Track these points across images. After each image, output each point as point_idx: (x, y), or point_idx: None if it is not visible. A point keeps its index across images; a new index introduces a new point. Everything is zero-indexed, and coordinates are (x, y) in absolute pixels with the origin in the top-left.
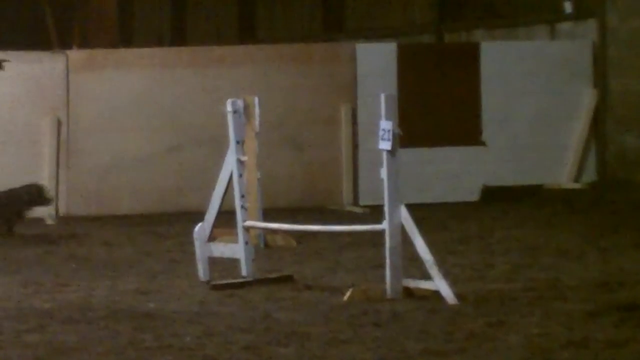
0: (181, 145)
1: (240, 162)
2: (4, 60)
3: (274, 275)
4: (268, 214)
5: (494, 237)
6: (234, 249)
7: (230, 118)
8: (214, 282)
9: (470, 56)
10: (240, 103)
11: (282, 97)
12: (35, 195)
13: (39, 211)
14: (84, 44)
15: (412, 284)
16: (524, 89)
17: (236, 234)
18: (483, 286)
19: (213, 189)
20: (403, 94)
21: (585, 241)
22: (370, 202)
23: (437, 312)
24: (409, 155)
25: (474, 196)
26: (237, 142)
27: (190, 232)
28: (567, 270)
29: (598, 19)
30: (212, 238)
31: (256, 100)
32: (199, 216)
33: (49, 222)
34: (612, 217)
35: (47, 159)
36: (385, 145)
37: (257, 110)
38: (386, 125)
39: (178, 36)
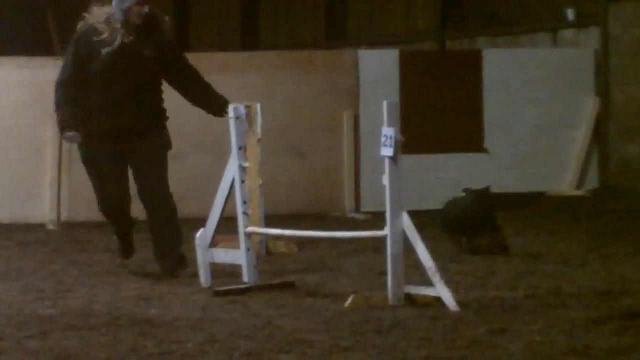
0: (184, 151)
1: (243, 169)
2: None
3: (276, 282)
4: (270, 221)
5: None
6: (236, 256)
7: (232, 124)
8: (215, 289)
9: (473, 63)
10: (242, 109)
11: (285, 103)
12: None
13: (40, 217)
14: None
15: (414, 291)
16: (526, 96)
17: (238, 241)
18: (485, 293)
19: (215, 195)
20: (405, 101)
21: (588, 249)
22: (372, 209)
23: (439, 320)
24: (411, 162)
25: None
26: (240, 149)
27: (192, 239)
28: (569, 278)
29: (601, 27)
30: (214, 244)
31: (259, 106)
32: (201, 222)
33: (51, 228)
34: (615, 225)
35: (50, 165)
36: (387, 152)
37: (259, 117)
38: (388, 132)
39: (182, 42)
